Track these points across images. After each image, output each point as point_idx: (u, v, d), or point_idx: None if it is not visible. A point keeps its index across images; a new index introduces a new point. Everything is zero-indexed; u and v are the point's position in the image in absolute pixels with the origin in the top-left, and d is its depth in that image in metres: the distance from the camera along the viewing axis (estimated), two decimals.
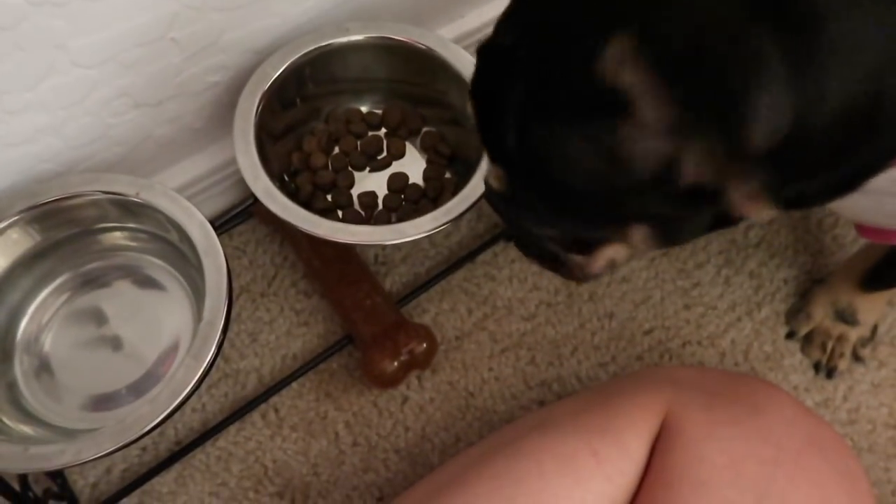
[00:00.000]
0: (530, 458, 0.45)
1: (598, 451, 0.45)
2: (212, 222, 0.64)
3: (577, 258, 0.42)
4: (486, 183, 0.41)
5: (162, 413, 0.47)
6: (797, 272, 0.71)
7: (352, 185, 0.64)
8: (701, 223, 0.35)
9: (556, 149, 0.32)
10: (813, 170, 0.31)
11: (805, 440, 0.46)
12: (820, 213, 0.74)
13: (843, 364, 0.66)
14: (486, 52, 0.36)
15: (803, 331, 0.67)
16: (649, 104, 0.28)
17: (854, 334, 0.66)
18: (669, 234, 0.36)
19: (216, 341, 0.49)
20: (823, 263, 0.71)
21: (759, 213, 0.31)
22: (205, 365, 0.48)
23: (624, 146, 0.30)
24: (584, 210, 0.35)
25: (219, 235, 0.67)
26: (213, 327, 0.50)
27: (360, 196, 0.63)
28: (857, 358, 0.67)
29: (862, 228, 0.49)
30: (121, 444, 0.46)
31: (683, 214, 0.34)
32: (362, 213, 0.63)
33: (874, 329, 0.67)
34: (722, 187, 0.30)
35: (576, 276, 0.44)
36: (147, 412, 0.48)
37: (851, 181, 0.32)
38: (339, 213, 0.63)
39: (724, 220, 0.34)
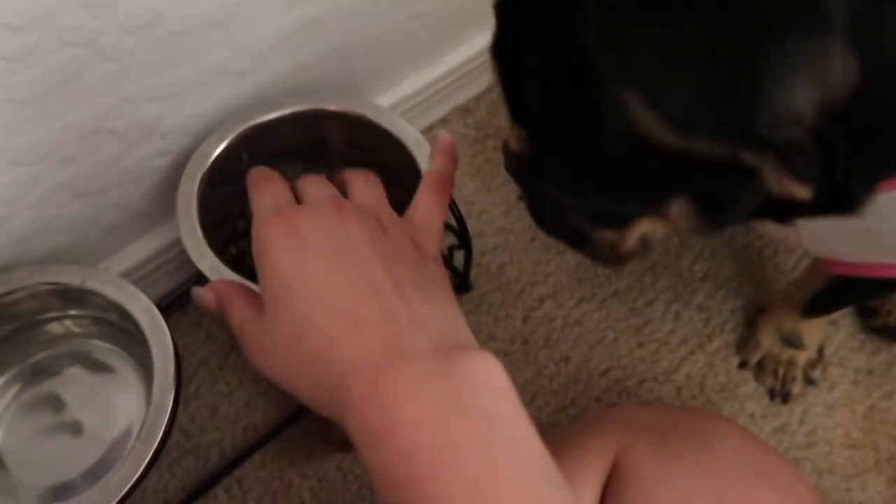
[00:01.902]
0: None
1: None
2: (164, 300, 0.65)
3: (607, 234, 0.38)
4: (506, 148, 0.38)
5: (112, 500, 0.47)
6: (743, 302, 0.73)
7: None
8: (747, 202, 0.31)
9: (587, 106, 0.29)
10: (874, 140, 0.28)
11: (752, 471, 0.47)
12: (760, 244, 0.76)
13: (796, 388, 0.68)
14: (504, 5, 0.33)
15: (754, 359, 0.69)
16: None
17: (802, 357, 0.67)
18: (712, 211, 0.32)
19: (164, 424, 0.49)
20: (767, 292, 0.73)
21: (796, 191, 0.28)
22: (153, 448, 0.48)
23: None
24: (618, 178, 0.32)
25: (173, 312, 0.68)
26: (162, 410, 0.50)
27: None
28: (809, 380, 0.68)
29: (829, 262, 0.47)
30: None
31: (726, 188, 0.30)
32: None
33: (820, 350, 0.69)
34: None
35: (603, 255, 0.41)
36: (97, 500, 0.48)
37: None
38: None
39: (775, 205, 0.30)
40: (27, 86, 0.49)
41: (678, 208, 0.33)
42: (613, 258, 0.40)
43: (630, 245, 0.38)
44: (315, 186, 0.39)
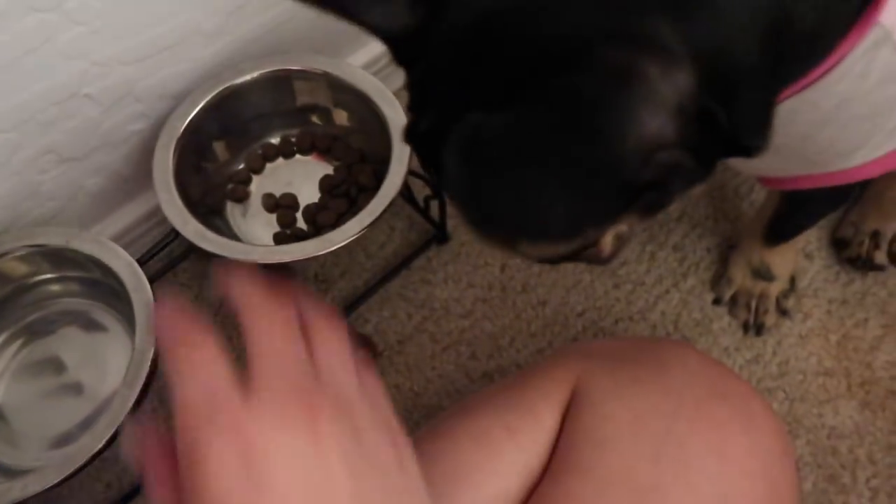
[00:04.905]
0: (446, 438, 0.48)
1: (510, 424, 0.48)
2: (149, 259, 0.67)
3: (587, 252, 0.42)
4: None
5: (100, 443, 0.50)
6: (719, 240, 0.74)
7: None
8: (677, 197, 0.34)
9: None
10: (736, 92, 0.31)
11: (706, 390, 0.49)
12: (735, 181, 0.77)
13: (769, 320, 0.69)
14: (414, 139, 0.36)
15: (727, 294, 0.70)
16: None
17: (774, 289, 0.68)
18: (652, 213, 0.36)
19: (146, 370, 0.52)
20: (742, 229, 0.74)
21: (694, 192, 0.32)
22: (136, 393, 0.51)
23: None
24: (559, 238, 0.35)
25: (162, 274, 0.71)
26: (144, 356, 0.53)
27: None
28: (782, 312, 0.70)
29: (763, 179, 0.51)
30: (64, 475, 0.49)
31: (652, 205, 0.34)
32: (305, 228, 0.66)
33: (792, 280, 0.70)
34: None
35: (595, 260, 0.45)
36: (88, 443, 0.51)
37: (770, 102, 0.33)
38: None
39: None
40: (1, 51, 0.51)
41: (626, 220, 0.36)
42: (604, 260, 0.43)
43: (608, 251, 0.41)
44: (269, 348, 0.29)
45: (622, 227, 0.41)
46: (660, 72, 0.27)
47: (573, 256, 0.44)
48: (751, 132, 0.32)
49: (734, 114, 0.30)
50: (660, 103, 0.28)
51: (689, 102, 0.28)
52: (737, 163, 0.47)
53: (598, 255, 0.43)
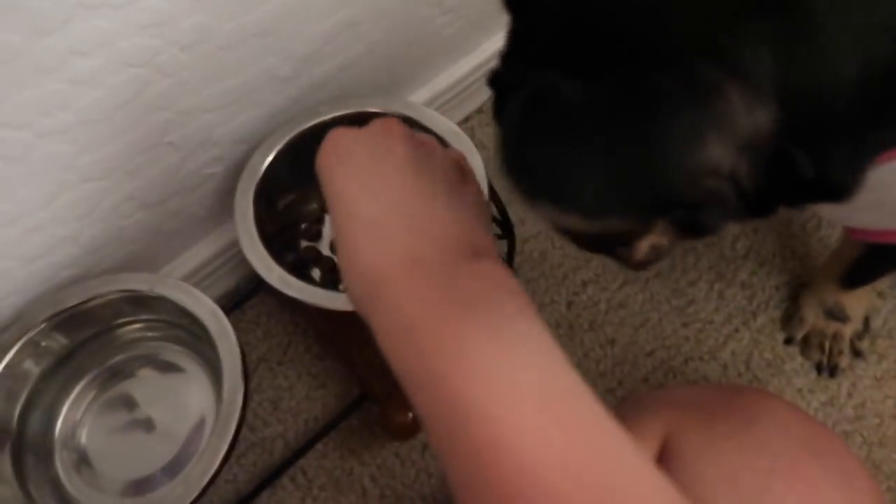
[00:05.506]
0: None
1: None
2: (224, 299, 0.68)
3: (620, 249, 0.44)
4: None
5: (195, 492, 0.51)
6: (788, 277, 0.74)
7: None
8: (717, 221, 0.34)
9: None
10: (833, 140, 0.30)
11: (800, 445, 0.48)
12: (803, 217, 0.76)
13: (843, 361, 0.68)
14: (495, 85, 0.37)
15: (799, 334, 0.70)
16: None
17: (848, 330, 0.68)
18: (688, 229, 0.35)
19: (236, 419, 0.53)
20: (812, 266, 0.74)
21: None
22: (228, 443, 0.52)
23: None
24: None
25: (232, 311, 0.72)
26: (234, 406, 0.54)
27: None
28: (856, 353, 0.69)
29: (853, 231, 0.51)
30: None
31: (687, 216, 0.33)
32: None
33: (866, 321, 0.69)
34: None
35: (629, 262, 0.45)
36: (181, 492, 0.51)
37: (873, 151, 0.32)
38: None
39: (764, 204, 0.33)
40: (93, 107, 0.52)
41: (660, 227, 0.36)
42: (638, 264, 0.43)
43: (641, 256, 0.41)
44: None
45: (660, 239, 0.40)
46: (743, 102, 0.27)
47: (602, 246, 0.44)
48: (839, 179, 0.32)
49: (822, 160, 0.30)
50: (731, 133, 0.27)
51: (762, 141, 0.28)
52: (826, 212, 0.46)
53: (629, 257, 0.43)
